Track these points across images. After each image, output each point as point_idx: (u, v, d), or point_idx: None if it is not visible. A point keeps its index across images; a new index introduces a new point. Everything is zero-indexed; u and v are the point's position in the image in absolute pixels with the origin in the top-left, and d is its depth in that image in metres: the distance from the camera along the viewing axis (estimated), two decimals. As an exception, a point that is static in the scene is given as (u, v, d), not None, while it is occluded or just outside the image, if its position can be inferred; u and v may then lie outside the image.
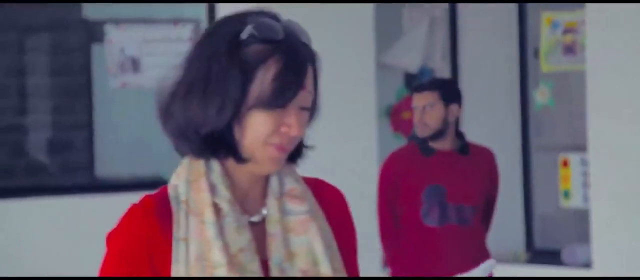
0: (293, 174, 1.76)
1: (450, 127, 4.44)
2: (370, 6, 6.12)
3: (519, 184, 6.54)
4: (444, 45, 6.64)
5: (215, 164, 1.71)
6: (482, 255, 4.50)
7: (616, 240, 5.63)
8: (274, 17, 1.72)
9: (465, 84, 6.57)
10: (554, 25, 6.26)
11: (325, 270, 1.70)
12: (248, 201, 1.73)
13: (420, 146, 4.46)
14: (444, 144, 4.45)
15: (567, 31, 6.21)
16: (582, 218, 6.01)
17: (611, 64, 5.62)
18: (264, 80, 1.67)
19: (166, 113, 1.72)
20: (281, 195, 1.73)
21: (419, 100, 4.45)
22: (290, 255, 1.70)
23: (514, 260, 6.36)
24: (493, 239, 6.52)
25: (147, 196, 1.75)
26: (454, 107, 4.44)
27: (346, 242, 1.78)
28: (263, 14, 1.72)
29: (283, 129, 1.68)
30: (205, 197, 1.70)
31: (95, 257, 6.72)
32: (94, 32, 6.25)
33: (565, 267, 6.02)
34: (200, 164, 1.72)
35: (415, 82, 6.69)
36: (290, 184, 1.74)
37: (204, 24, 6.05)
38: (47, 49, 6.41)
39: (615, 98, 5.59)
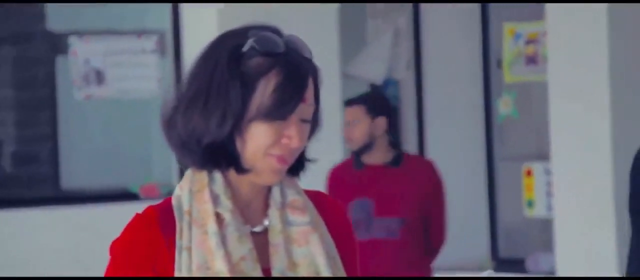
0: (295, 186, 1.79)
1: (379, 140, 4.48)
2: (334, 17, 6.15)
3: (483, 193, 6.58)
4: (409, 56, 6.69)
5: (217, 175, 1.74)
6: (413, 267, 4.50)
7: (579, 248, 5.69)
8: (276, 31, 1.76)
9: (430, 95, 6.61)
10: (517, 36, 6.32)
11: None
12: (250, 211, 1.76)
13: (353, 160, 4.53)
14: (375, 157, 4.50)
15: (529, 42, 6.28)
16: (546, 227, 6.06)
17: (572, 74, 5.68)
18: (264, 92, 1.70)
19: (169, 125, 1.75)
20: (283, 206, 1.76)
21: (346, 115, 4.52)
22: (292, 265, 1.73)
23: (479, 269, 6.40)
24: (458, 248, 6.56)
25: (150, 207, 1.78)
26: (380, 121, 4.48)
27: (347, 254, 1.81)
28: (264, 28, 1.76)
29: (284, 141, 1.71)
30: (208, 207, 1.73)
31: (60, 269, 6.65)
32: (58, 44, 6.24)
33: (529, 275, 6.07)
34: (203, 175, 1.74)
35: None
36: (292, 196, 1.77)
37: (169, 36, 6.05)
38: (10, 62, 6.38)
39: (577, 107, 5.65)
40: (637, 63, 5.68)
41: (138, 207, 6.28)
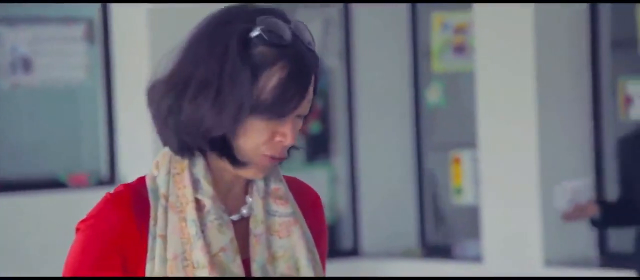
0: (276, 173, 1.69)
1: None
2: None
3: (412, 181, 6.65)
4: (339, 45, 6.72)
5: (198, 158, 1.63)
6: None
7: (505, 235, 5.78)
8: (283, 16, 1.65)
9: (360, 84, 6.65)
10: (445, 25, 6.38)
11: (307, 276, 1.65)
12: (229, 198, 1.66)
13: None
14: None
15: (457, 31, 6.34)
16: (473, 214, 6.15)
17: (499, 64, 5.76)
18: (266, 86, 1.58)
19: (169, 108, 1.60)
20: (266, 194, 1.67)
21: None
22: (272, 258, 1.64)
23: (407, 255, 6.47)
24: (387, 235, 6.62)
25: (122, 186, 1.65)
26: None
27: (320, 246, 1.72)
28: (272, 13, 1.64)
29: (277, 139, 1.61)
30: (187, 192, 1.62)
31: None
32: (-17, 32, 6.15)
33: (457, 261, 6.15)
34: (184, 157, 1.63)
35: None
36: (274, 184, 1.67)
37: (97, 23, 6.00)
38: None
39: (504, 97, 5.74)
40: (562, 53, 5.78)
41: (66, 196, 6.25)
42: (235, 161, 1.62)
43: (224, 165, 1.64)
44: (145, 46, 5.67)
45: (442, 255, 6.31)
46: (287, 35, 1.62)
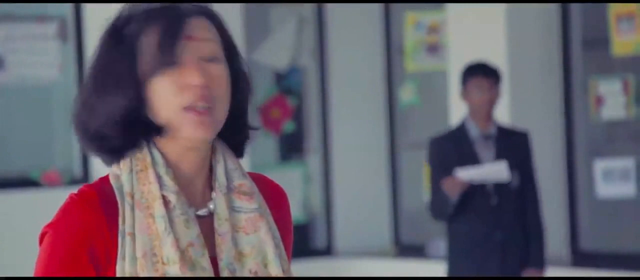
0: (239, 168, 1.68)
1: None
2: (238, 4, 6.15)
3: (386, 180, 6.67)
4: (312, 43, 6.73)
5: (157, 155, 1.63)
6: None
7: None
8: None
9: (334, 82, 6.66)
10: (418, 25, 6.40)
11: (275, 271, 1.64)
12: (192, 192, 1.65)
13: None
14: None
15: (430, 31, 6.37)
16: (446, 213, 6.17)
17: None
18: (148, 47, 1.61)
19: (80, 123, 1.66)
20: (229, 190, 1.66)
21: None
22: (239, 255, 1.63)
23: (381, 254, 6.49)
24: (361, 234, 6.64)
25: (86, 186, 1.64)
26: None
27: (286, 241, 1.71)
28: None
29: (185, 84, 1.60)
30: (153, 189, 1.61)
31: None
32: (-44, 29, 6.12)
33: (430, 260, 6.18)
34: (144, 154, 1.63)
35: (284, 81, 6.77)
36: (238, 180, 1.67)
37: (70, 22, 5.98)
38: None
39: (477, 96, 5.76)
40: (533, 51, 5.81)
41: (39, 195, 6.23)
42: (157, 131, 1.63)
43: (181, 156, 1.64)
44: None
45: (416, 254, 6.33)
46: (155, 6, 1.64)
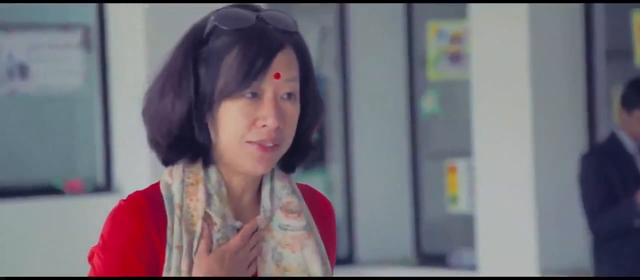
0: (289, 185, 1.66)
1: None
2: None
3: (407, 189, 6.66)
4: (335, 54, 6.73)
5: (213, 172, 1.61)
6: None
7: (500, 244, 5.79)
8: (249, 7, 1.62)
9: (356, 92, 6.67)
10: (440, 34, 6.40)
11: None
12: (241, 206, 1.64)
13: None
14: None
15: (453, 40, 6.36)
16: (468, 222, 6.16)
17: (494, 72, 5.78)
18: (230, 68, 1.56)
19: (147, 103, 1.63)
20: (275, 209, 1.64)
21: None
22: (283, 272, 1.62)
23: (402, 263, 6.48)
24: (382, 243, 6.63)
25: (137, 193, 1.63)
26: None
27: (330, 256, 1.70)
28: (235, 5, 1.62)
29: (258, 123, 1.57)
30: (199, 207, 1.60)
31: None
32: (-20, 38, 6.16)
33: (452, 270, 6.16)
34: (198, 167, 1.61)
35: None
36: (286, 197, 1.65)
37: (94, 30, 6.01)
38: None
39: (499, 105, 5.75)
40: (556, 61, 5.80)
41: (62, 203, 6.25)
42: (208, 159, 1.60)
43: (232, 173, 1.62)
44: (142, 53, 5.68)
45: (437, 263, 6.32)
46: (247, 19, 1.59)
